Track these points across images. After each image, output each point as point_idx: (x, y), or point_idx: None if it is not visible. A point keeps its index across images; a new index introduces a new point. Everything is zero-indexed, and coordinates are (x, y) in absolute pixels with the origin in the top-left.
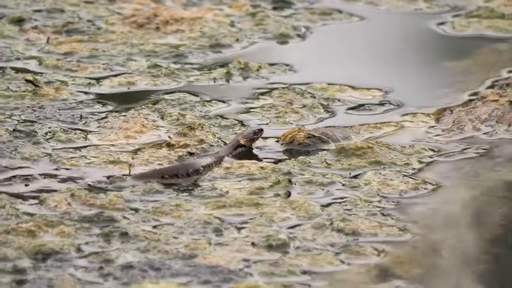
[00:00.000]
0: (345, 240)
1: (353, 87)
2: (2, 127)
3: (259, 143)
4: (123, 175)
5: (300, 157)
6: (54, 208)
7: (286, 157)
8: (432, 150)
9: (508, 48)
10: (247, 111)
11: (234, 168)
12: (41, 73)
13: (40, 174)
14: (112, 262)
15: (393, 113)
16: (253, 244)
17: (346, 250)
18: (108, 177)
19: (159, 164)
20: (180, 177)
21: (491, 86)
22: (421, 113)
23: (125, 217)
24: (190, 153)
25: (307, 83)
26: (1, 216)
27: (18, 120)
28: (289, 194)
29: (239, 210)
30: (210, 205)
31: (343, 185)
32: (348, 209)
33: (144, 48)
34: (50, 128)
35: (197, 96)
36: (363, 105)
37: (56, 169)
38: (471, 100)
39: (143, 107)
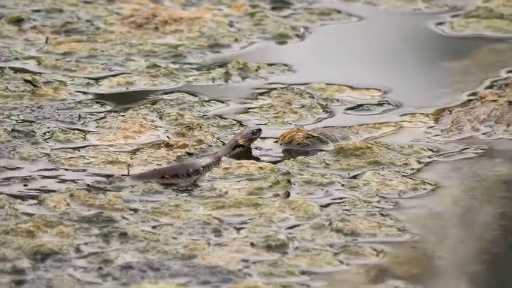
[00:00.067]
0: (344, 240)
1: (352, 88)
2: (1, 127)
3: (258, 143)
4: (122, 175)
5: (299, 157)
6: (53, 208)
7: (285, 157)
8: (431, 150)
9: (506, 49)
10: (246, 111)
11: (233, 168)
12: (40, 73)
13: (39, 175)
14: (111, 262)
15: (392, 113)
16: (252, 244)
17: (345, 250)
18: (107, 178)
19: (157, 164)
20: (181, 178)
21: (490, 86)
22: (420, 113)
23: (124, 217)
24: (189, 154)
25: (306, 83)
26: (0, 217)
27: (16, 120)
28: (288, 194)
29: (238, 210)
30: (209, 205)
31: (342, 185)
32: (346, 209)
33: (143, 48)
34: (48, 128)
35: (196, 96)
36: (361, 105)
37: (55, 169)
38: (470, 100)
39: (142, 107)
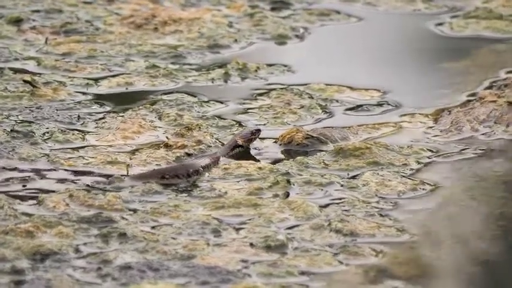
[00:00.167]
0: (343, 240)
1: (351, 88)
2: (0, 127)
3: (257, 143)
4: (122, 175)
5: (298, 158)
6: (53, 209)
7: (285, 158)
8: (430, 150)
9: (506, 49)
10: (245, 111)
11: (232, 168)
12: (39, 74)
13: (38, 175)
14: (110, 263)
15: (391, 113)
16: (251, 245)
17: (344, 251)
18: (107, 178)
19: (156, 165)
20: (181, 178)
21: (490, 87)
22: (419, 114)
23: (123, 218)
24: (188, 154)
25: (305, 84)
26: None
27: (16, 121)
28: (287, 195)
29: (237, 210)
30: (209, 206)
31: (342, 185)
32: (346, 210)
33: (142, 48)
34: (47, 128)
35: (195, 96)
36: (361, 105)
37: (54, 169)
38: (469, 101)
39: (141, 107)
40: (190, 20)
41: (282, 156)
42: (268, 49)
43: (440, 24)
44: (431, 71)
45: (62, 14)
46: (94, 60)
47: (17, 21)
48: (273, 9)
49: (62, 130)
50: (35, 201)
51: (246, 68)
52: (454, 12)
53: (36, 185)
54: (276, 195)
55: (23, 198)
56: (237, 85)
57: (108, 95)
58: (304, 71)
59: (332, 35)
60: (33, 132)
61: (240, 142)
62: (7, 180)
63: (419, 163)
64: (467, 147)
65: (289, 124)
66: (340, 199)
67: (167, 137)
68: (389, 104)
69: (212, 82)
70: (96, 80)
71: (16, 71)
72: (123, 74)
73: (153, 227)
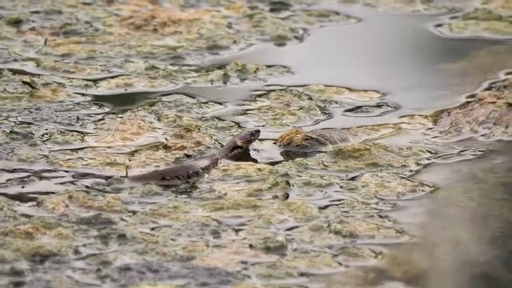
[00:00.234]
0: (343, 242)
1: (350, 89)
2: None
3: (256, 144)
4: (121, 177)
5: (298, 159)
6: (52, 210)
7: (284, 159)
8: (429, 152)
9: (505, 50)
10: (244, 113)
11: (232, 170)
12: (39, 75)
13: (37, 176)
14: (110, 264)
15: (390, 114)
16: (251, 246)
17: (343, 252)
18: (106, 179)
19: (155, 166)
20: (181, 179)
21: (489, 88)
22: (419, 115)
23: (122, 219)
24: (187, 155)
25: (305, 85)
26: None
27: (15, 122)
28: (287, 196)
29: (237, 212)
30: (208, 207)
31: (341, 187)
32: (345, 211)
33: (142, 49)
34: (46, 129)
35: (194, 98)
36: (360, 107)
37: (53, 171)
38: (468, 102)
39: (140, 108)
40: (190, 21)
41: (281, 157)
42: (267, 50)
43: (439, 25)
44: (431, 72)
45: (61, 15)
46: (93, 61)
47: (16, 22)
48: (272, 10)
49: (61, 131)
50: (34, 203)
51: (245, 69)
52: (453, 14)
53: (36, 186)
54: (275, 197)
55: (22, 200)
56: (236, 86)
57: (107, 96)
58: (304, 72)
59: (331, 36)
60: (32, 134)
61: (239, 143)
62: (6, 181)
63: (418, 164)
64: (466, 148)
65: (289, 125)
66: (339, 200)
67: (166, 138)
68: (388, 105)
69: (211, 83)
70: (96, 81)
71: (15, 72)
72: (122, 75)
73: (152, 228)
